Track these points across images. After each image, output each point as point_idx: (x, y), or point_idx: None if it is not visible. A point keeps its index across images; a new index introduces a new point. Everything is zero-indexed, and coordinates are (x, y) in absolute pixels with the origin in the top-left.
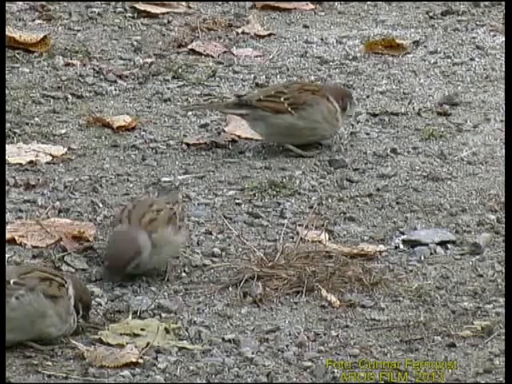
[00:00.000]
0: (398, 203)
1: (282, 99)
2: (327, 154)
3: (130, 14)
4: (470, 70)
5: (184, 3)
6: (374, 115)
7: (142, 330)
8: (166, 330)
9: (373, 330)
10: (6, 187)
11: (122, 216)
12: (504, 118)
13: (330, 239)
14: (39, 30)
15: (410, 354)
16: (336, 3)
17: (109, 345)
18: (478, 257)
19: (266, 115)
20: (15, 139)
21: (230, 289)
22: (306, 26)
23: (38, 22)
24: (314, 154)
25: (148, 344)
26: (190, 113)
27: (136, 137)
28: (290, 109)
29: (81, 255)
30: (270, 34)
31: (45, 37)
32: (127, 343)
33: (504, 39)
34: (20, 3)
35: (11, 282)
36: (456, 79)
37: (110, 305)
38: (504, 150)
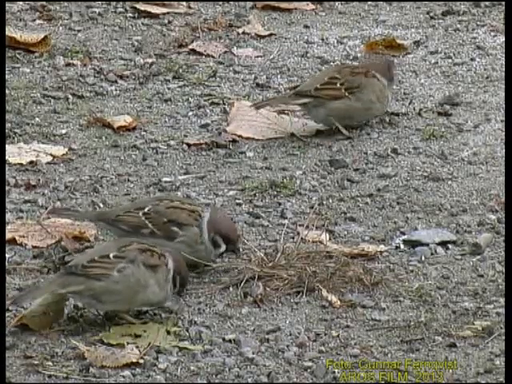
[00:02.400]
0: (398, 203)
1: (338, 85)
2: (328, 154)
3: (130, 14)
4: (470, 70)
5: (184, 3)
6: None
7: (144, 331)
8: (167, 331)
9: (373, 330)
10: (7, 187)
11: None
12: (504, 118)
13: (330, 239)
14: (40, 30)
15: (411, 354)
16: (336, 3)
17: (110, 345)
18: (478, 257)
19: (325, 102)
20: (16, 139)
21: (231, 289)
22: (306, 26)
23: (38, 22)
24: (353, 135)
25: (149, 344)
26: (190, 113)
27: (136, 137)
28: (346, 93)
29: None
30: (270, 34)
31: (45, 37)
32: (128, 343)
33: (504, 39)
34: (20, 3)
35: (111, 255)
36: (456, 79)
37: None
38: (504, 150)
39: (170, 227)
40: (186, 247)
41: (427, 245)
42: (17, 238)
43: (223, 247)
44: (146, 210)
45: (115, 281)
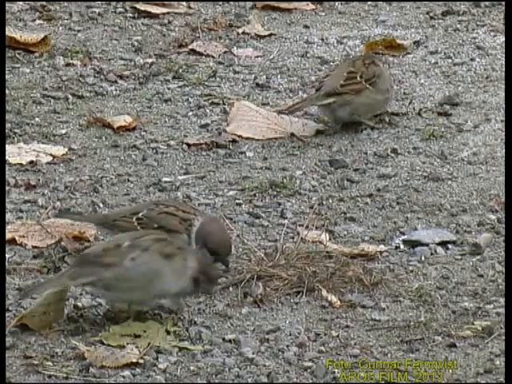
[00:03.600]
0: (398, 203)
1: (358, 78)
2: (328, 155)
3: (130, 14)
4: (470, 70)
5: (184, 3)
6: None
7: (144, 331)
8: (167, 331)
9: (373, 330)
10: (7, 187)
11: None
12: (504, 118)
13: (330, 239)
14: (40, 30)
15: (411, 354)
16: (336, 3)
17: (109, 346)
18: (478, 257)
19: (351, 98)
20: (16, 139)
21: (231, 289)
22: (306, 26)
23: (38, 22)
24: (374, 124)
25: (149, 344)
26: (190, 113)
27: (136, 137)
28: (367, 85)
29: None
30: (270, 34)
31: (45, 37)
32: (127, 343)
33: (504, 39)
34: (20, 3)
35: (124, 245)
36: (456, 79)
37: (110, 305)
38: (504, 150)
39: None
40: None
41: (427, 245)
42: (17, 238)
43: (210, 259)
44: (140, 215)
45: (127, 269)
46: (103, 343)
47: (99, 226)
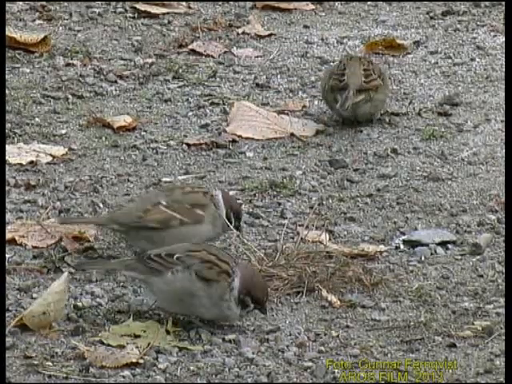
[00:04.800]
0: (398, 203)
1: (373, 74)
2: (328, 155)
3: (130, 15)
4: (470, 71)
5: (184, 3)
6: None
7: (143, 331)
8: (167, 331)
9: (373, 330)
10: (7, 187)
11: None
12: (504, 118)
13: (330, 239)
14: (40, 31)
15: (411, 354)
16: (336, 3)
17: (109, 346)
18: (478, 257)
19: (373, 94)
20: (16, 139)
21: None
22: (306, 27)
23: (38, 22)
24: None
25: (149, 344)
26: (190, 113)
27: (136, 137)
28: (380, 82)
29: (81, 255)
30: (270, 35)
31: (45, 37)
32: (127, 343)
33: (504, 39)
34: (20, 3)
35: (175, 256)
36: (456, 79)
37: (110, 305)
38: (504, 150)
39: (195, 211)
40: (212, 228)
41: (427, 245)
42: (17, 238)
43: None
44: (164, 203)
45: (166, 281)
46: (103, 343)
47: (111, 226)
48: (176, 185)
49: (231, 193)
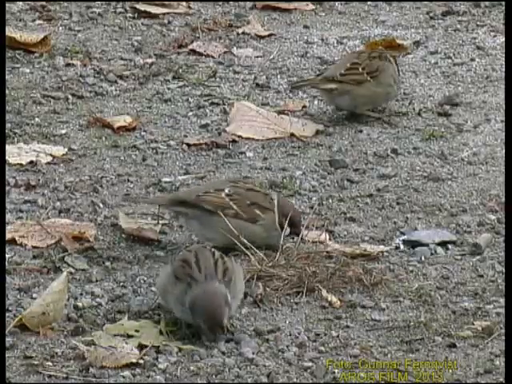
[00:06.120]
0: (398, 203)
1: (360, 70)
2: (328, 155)
3: (130, 15)
4: (470, 71)
5: (184, 4)
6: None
7: (137, 331)
8: (161, 332)
9: (373, 330)
10: (7, 187)
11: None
12: (504, 119)
13: (330, 239)
14: (40, 31)
15: (411, 355)
16: (336, 3)
17: (102, 346)
18: (478, 257)
19: (350, 88)
20: (16, 139)
21: None
22: (306, 27)
23: (38, 22)
24: (380, 115)
25: (141, 345)
26: (190, 113)
27: (136, 137)
28: (368, 78)
29: (81, 255)
30: (270, 35)
31: (45, 37)
32: (118, 343)
33: (504, 39)
34: (20, 3)
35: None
36: (456, 79)
37: (110, 305)
38: (504, 150)
39: (253, 210)
40: (264, 231)
41: (427, 245)
42: (17, 238)
43: (288, 230)
44: (226, 191)
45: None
46: (95, 343)
47: (170, 207)
48: (241, 179)
49: None
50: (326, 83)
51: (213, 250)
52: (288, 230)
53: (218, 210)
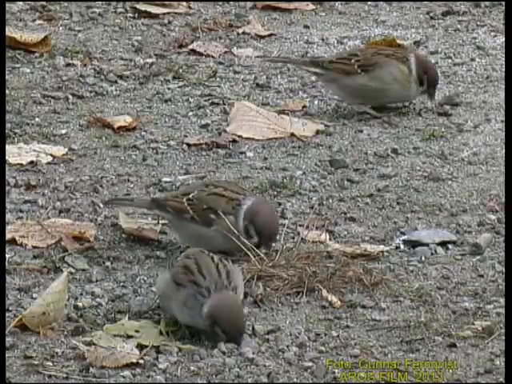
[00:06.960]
0: (398, 203)
1: (352, 61)
2: (328, 155)
3: (130, 15)
4: (470, 71)
5: (184, 3)
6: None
7: (137, 331)
8: (160, 332)
9: (373, 330)
10: (7, 187)
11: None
12: (504, 119)
13: (330, 239)
14: (40, 31)
15: (411, 355)
16: (336, 3)
17: (102, 346)
18: (478, 257)
19: (337, 77)
20: (16, 139)
21: None
22: (306, 27)
23: (38, 22)
24: (384, 115)
25: (147, 345)
26: (190, 113)
27: (137, 137)
28: (359, 70)
29: (81, 255)
30: (270, 35)
31: (45, 37)
32: (118, 343)
33: (504, 39)
34: (20, 3)
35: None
36: (456, 79)
37: (110, 305)
38: (504, 150)
39: (207, 214)
40: (220, 236)
41: (427, 245)
42: (17, 238)
43: (255, 239)
44: (190, 196)
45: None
46: (94, 344)
47: (151, 209)
48: (213, 182)
49: None
50: (309, 66)
51: (211, 254)
52: (256, 238)
53: (179, 213)
